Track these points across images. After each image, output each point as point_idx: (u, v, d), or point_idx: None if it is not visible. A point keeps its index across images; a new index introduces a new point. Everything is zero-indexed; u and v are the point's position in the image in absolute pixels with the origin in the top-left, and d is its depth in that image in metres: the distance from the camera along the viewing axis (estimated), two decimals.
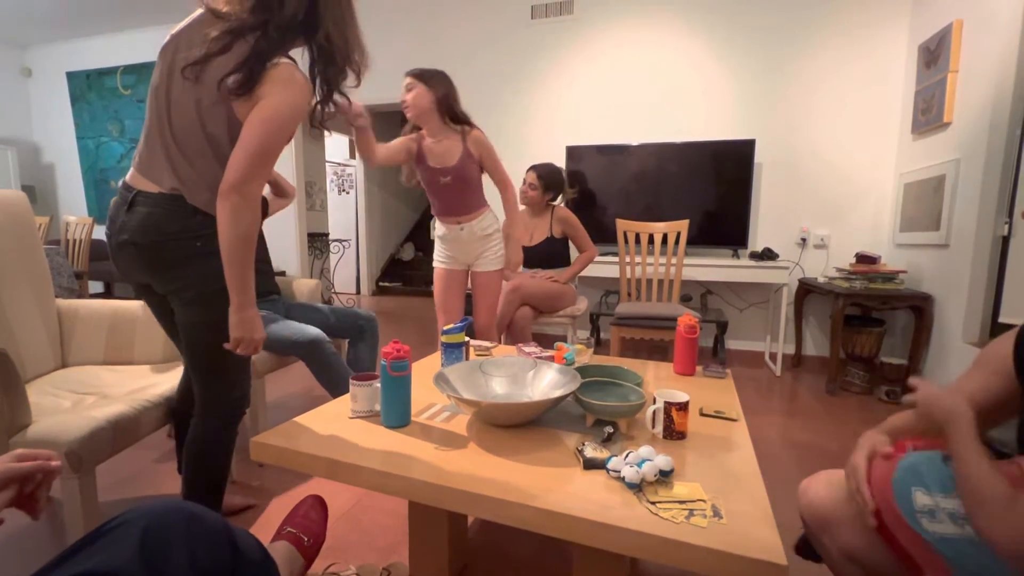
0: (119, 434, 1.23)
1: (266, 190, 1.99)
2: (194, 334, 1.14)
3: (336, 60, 1.10)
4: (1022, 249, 2.07)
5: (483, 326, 2.16)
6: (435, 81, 1.93)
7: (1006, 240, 2.14)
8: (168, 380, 1.50)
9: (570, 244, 2.79)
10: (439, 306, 2.19)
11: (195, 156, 1.06)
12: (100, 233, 4.52)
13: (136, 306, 1.74)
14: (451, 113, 1.95)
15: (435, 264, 2.19)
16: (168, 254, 1.08)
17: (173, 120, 1.05)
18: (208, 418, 1.20)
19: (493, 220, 2.10)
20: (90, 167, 5.18)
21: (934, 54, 2.63)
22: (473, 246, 2.09)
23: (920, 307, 2.58)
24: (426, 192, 2.07)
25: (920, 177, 2.73)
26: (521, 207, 2.79)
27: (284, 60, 1.02)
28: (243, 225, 1.01)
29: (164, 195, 1.07)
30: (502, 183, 2.03)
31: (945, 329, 2.49)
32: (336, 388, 1.82)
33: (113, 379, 1.56)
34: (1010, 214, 2.12)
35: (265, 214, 2.01)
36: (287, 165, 4.50)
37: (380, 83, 4.14)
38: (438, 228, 2.15)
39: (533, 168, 2.72)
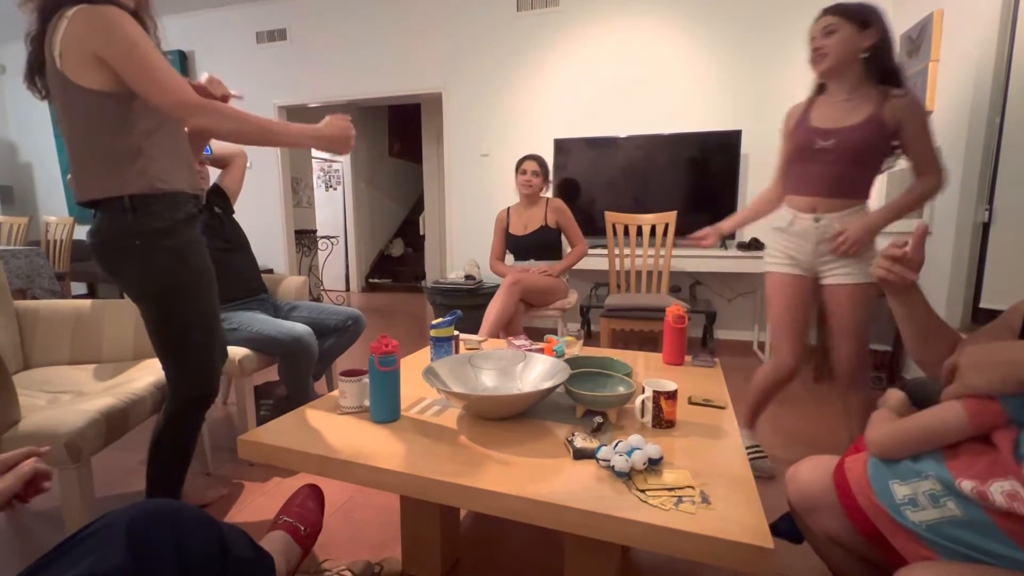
0: (111, 426, 1.25)
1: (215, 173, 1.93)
2: (148, 327, 1.21)
3: None
4: (1002, 236, 2.10)
5: (845, 360, 1.50)
6: (869, 20, 1.39)
7: (986, 227, 2.17)
8: (146, 374, 1.48)
9: (562, 237, 2.80)
10: (777, 323, 1.60)
11: (82, 153, 1.10)
12: (81, 233, 4.44)
13: (101, 304, 1.72)
14: (882, 68, 1.43)
15: (770, 266, 1.62)
16: (108, 255, 1.14)
17: (64, 131, 1.11)
18: (171, 401, 1.27)
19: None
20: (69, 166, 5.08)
21: (916, 43, 2.65)
22: (823, 247, 1.49)
23: None
24: (786, 164, 1.61)
25: (903, 165, 2.75)
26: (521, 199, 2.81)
27: (70, 12, 1.01)
28: (228, 123, 1.08)
29: (102, 200, 1.12)
30: (929, 172, 1.43)
31: None
32: (298, 392, 1.82)
33: (84, 377, 1.54)
34: (990, 201, 2.15)
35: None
36: (271, 161, 4.45)
37: (366, 78, 4.11)
38: (784, 214, 1.59)
39: (533, 158, 2.74)
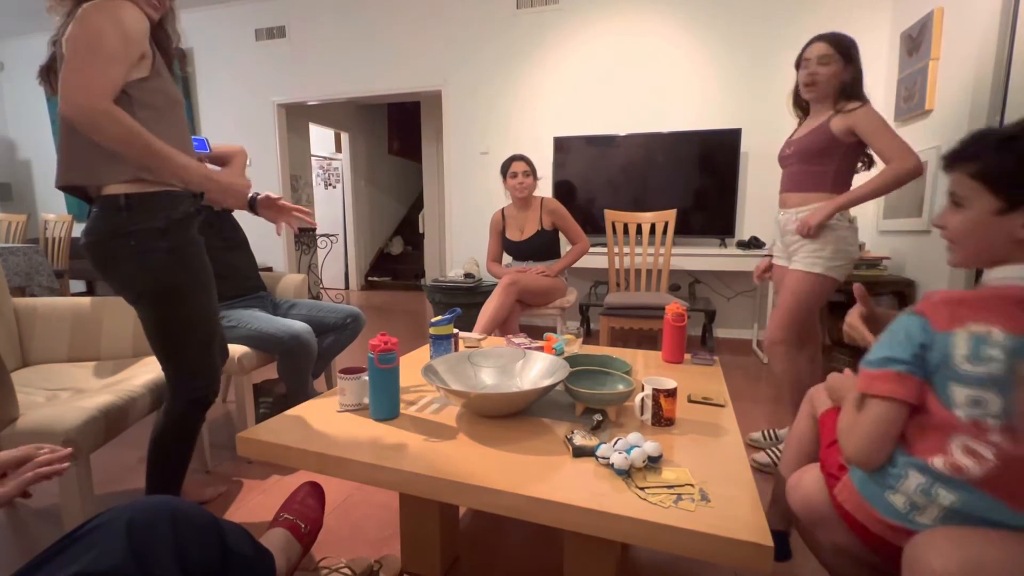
0: (110, 423, 1.24)
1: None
2: (145, 328, 1.19)
3: None
4: None
5: (767, 330, 1.76)
6: (852, 57, 1.61)
7: None
8: (144, 371, 1.48)
9: (560, 236, 2.78)
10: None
11: (70, 138, 1.07)
12: (80, 231, 4.46)
13: (101, 302, 1.71)
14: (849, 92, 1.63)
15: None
16: (102, 255, 1.11)
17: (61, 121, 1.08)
18: (172, 403, 1.24)
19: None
20: None
21: (916, 42, 2.65)
22: (787, 238, 1.75)
23: (903, 292, 2.62)
24: None
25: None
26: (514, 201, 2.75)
27: (88, 3, 1.02)
28: (114, 130, 0.97)
29: (99, 197, 1.10)
30: (892, 159, 1.58)
31: None
32: (297, 390, 1.81)
33: (82, 375, 1.54)
34: None
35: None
36: (271, 159, 4.44)
37: (366, 76, 4.10)
38: None
39: (520, 158, 2.68)
